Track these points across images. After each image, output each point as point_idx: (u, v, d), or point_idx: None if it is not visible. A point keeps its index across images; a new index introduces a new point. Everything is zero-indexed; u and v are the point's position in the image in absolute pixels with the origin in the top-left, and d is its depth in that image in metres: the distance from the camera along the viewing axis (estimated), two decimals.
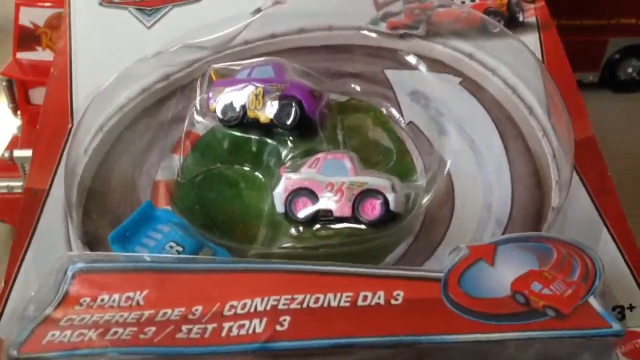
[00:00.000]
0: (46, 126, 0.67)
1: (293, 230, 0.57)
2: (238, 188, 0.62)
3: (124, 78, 0.69)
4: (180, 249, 0.53)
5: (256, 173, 0.63)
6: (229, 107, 0.62)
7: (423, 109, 0.66)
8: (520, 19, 0.73)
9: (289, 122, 0.60)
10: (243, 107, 0.62)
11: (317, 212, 0.56)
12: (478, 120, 0.65)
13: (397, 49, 0.71)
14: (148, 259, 0.51)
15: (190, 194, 0.63)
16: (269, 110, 0.61)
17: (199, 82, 0.66)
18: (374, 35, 0.72)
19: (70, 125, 0.67)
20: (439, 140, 0.64)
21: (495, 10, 0.73)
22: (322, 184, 0.56)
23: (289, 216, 0.57)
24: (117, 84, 0.69)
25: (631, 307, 0.54)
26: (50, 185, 0.64)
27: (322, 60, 0.70)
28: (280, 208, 0.57)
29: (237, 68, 0.65)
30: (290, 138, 0.62)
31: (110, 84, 0.69)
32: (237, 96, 0.62)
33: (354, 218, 0.56)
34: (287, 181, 0.57)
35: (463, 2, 0.75)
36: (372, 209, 0.55)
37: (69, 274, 0.51)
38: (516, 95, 0.66)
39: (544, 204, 0.60)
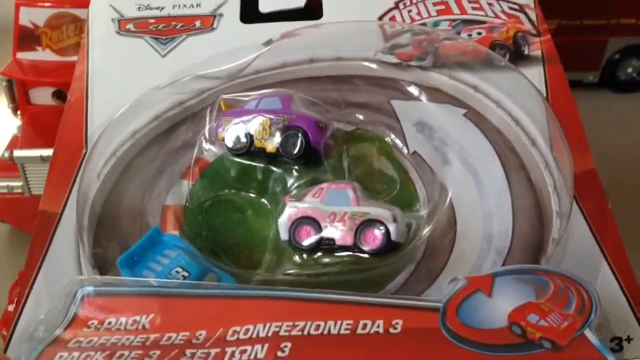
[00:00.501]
0: (61, 151, 0.69)
1: (297, 258, 0.59)
2: (244, 214, 0.64)
3: (137, 105, 0.71)
4: (186, 274, 0.54)
5: (262, 200, 0.64)
6: (236, 136, 0.64)
7: (427, 140, 0.68)
8: (526, 52, 0.74)
9: (294, 152, 0.62)
10: (250, 136, 0.63)
11: (320, 240, 0.57)
12: (481, 151, 0.66)
13: (403, 80, 0.72)
14: (154, 283, 0.52)
15: (198, 219, 0.64)
16: (276, 141, 0.63)
17: (208, 111, 0.68)
18: (381, 66, 0.73)
19: (84, 151, 0.69)
20: (442, 171, 0.65)
21: (501, 43, 0.75)
22: (325, 213, 0.57)
23: (293, 244, 0.58)
24: (131, 111, 0.70)
25: (629, 339, 0.54)
26: (63, 209, 0.65)
27: (329, 90, 0.72)
28: (284, 236, 0.59)
29: (246, 99, 0.67)
30: (296, 167, 0.63)
31: (124, 111, 0.70)
32: (244, 126, 0.64)
33: (356, 247, 0.57)
34: (291, 210, 0.58)
35: (470, 35, 0.76)
36: (374, 239, 0.56)
37: (78, 297, 0.52)
38: (519, 127, 0.67)
39: (544, 236, 0.61)
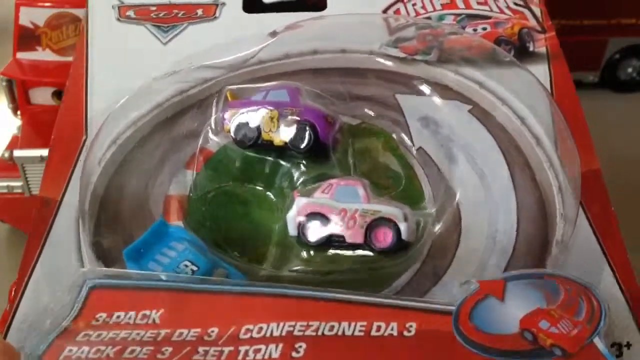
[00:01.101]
0: (61, 138, 0.68)
1: (304, 254, 0.59)
2: (249, 207, 0.63)
3: (139, 94, 0.70)
4: (194, 268, 0.54)
5: (267, 193, 0.64)
6: (243, 128, 0.63)
7: (433, 135, 0.67)
8: (531, 48, 0.74)
9: (302, 146, 0.62)
10: (258, 129, 0.63)
11: (329, 237, 0.57)
12: (487, 148, 0.66)
13: (408, 74, 0.72)
14: (164, 277, 0.52)
15: (201, 209, 0.63)
16: (284, 134, 0.62)
17: (214, 102, 0.67)
18: (386, 59, 0.72)
19: (84, 137, 0.68)
20: (448, 168, 0.65)
21: (506, 39, 0.74)
22: (336, 209, 0.57)
23: (301, 240, 0.58)
24: (132, 100, 0.69)
25: (628, 345, 0.55)
26: (63, 196, 0.64)
27: (334, 83, 0.71)
28: (292, 231, 0.58)
29: (253, 89, 0.66)
30: (303, 162, 0.63)
31: (126, 100, 0.69)
32: (252, 118, 0.63)
33: (367, 245, 0.57)
34: (300, 205, 0.58)
35: (475, 30, 0.76)
36: (384, 237, 0.56)
37: (85, 288, 0.52)
38: (525, 125, 0.67)
39: (548, 236, 0.61)
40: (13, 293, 0.59)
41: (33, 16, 1.11)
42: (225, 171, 0.65)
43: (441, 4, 0.78)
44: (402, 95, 0.70)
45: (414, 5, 0.78)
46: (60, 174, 0.66)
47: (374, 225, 0.56)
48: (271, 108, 0.63)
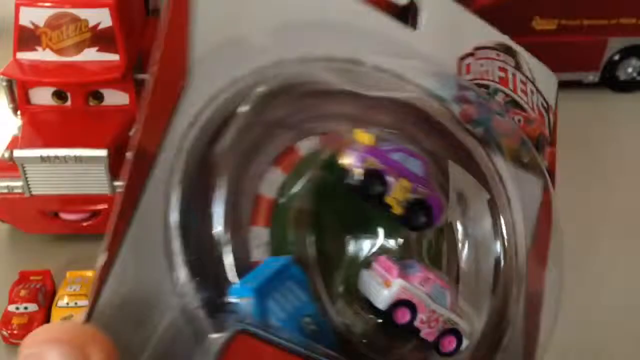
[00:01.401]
0: (162, 78, 0.60)
1: (370, 320, 0.64)
2: (325, 242, 0.65)
3: (242, 47, 0.64)
4: (314, 328, 0.56)
5: (348, 239, 0.66)
6: (374, 182, 0.63)
7: (461, 214, 0.73)
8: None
9: (415, 226, 0.65)
10: (385, 190, 0.63)
11: (410, 325, 0.63)
12: (490, 251, 0.73)
13: (460, 140, 0.75)
14: (304, 342, 0.54)
15: (283, 221, 0.63)
16: (406, 207, 0.64)
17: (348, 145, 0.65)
18: (450, 117, 0.75)
19: (183, 83, 0.61)
20: (463, 256, 0.72)
21: (528, 139, 0.82)
22: (427, 307, 0.63)
23: (385, 315, 0.62)
24: (235, 53, 0.63)
25: None
26: (159, 151, 0.59)
27: (409, 124, 0.72)
28: (382, 306, 0.62)
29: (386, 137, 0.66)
30: (400, 233, 0.66)
31: (227, 50, 0.63)
32: (386, 178, 0.63)
33: (434, 346, 0.64)
34: (401, 289, 0.62)
35: (512, 118, 0.82)
36: (449, 345, 0.64)
37: (231, 331, 0.52)
38: (515, 236, 0.75)
39: (498, 342, 0.70)
40: (102, 264, 0.54)
41: (33, 16, 1.11)
42: (320, 189, 0.64)
43: (498, 77, 0.82)
44: (452, 163, 0.73)
45: (480, 65, 0.81)
46: (157, 123, 0.59)
47: (446, 331, 0.64)
48: (407, 178, 0.64)
